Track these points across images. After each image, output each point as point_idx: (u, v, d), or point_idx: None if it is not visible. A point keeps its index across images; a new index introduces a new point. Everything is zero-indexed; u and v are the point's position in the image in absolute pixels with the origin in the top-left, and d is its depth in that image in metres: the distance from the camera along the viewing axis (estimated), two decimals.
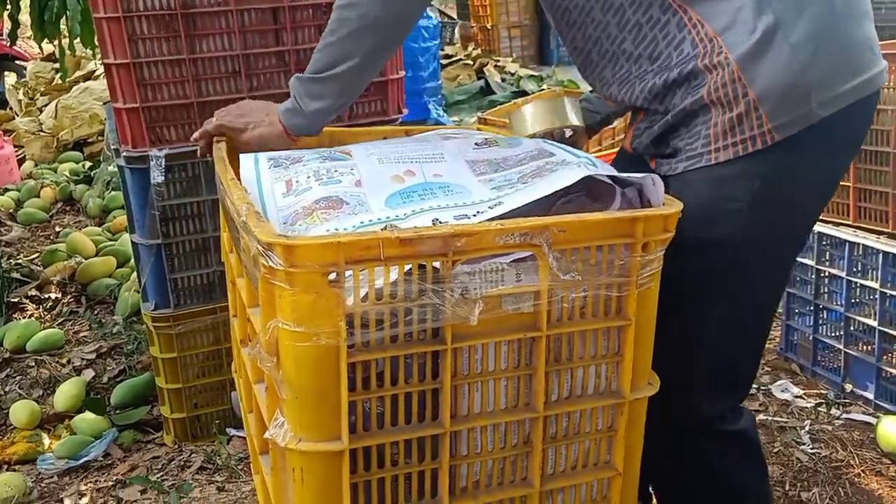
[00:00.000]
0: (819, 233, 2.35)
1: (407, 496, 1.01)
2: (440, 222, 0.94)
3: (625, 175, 1.04)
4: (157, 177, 1.90)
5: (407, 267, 0.90)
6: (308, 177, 1.05)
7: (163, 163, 1.91)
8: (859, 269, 2.25)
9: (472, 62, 5.94)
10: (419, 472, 1.00)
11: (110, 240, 3.54)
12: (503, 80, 5.68)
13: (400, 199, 0.98)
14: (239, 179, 1.13)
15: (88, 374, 2.61)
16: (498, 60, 6.27)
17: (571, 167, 1.01)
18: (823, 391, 2.37)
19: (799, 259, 2.45)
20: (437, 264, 0.91)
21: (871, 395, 2.25)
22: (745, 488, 1.32)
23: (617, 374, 1.06)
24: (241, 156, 1.19)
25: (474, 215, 0.95)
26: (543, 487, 1.06)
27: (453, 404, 0.99)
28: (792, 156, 1.10)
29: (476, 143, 1.20)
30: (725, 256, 1.14)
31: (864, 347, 2.29)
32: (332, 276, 0.88)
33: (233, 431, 2.28)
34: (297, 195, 1.03)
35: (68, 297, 3.14)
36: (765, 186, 1.10)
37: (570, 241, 0.96)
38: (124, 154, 1.95)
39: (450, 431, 0.99)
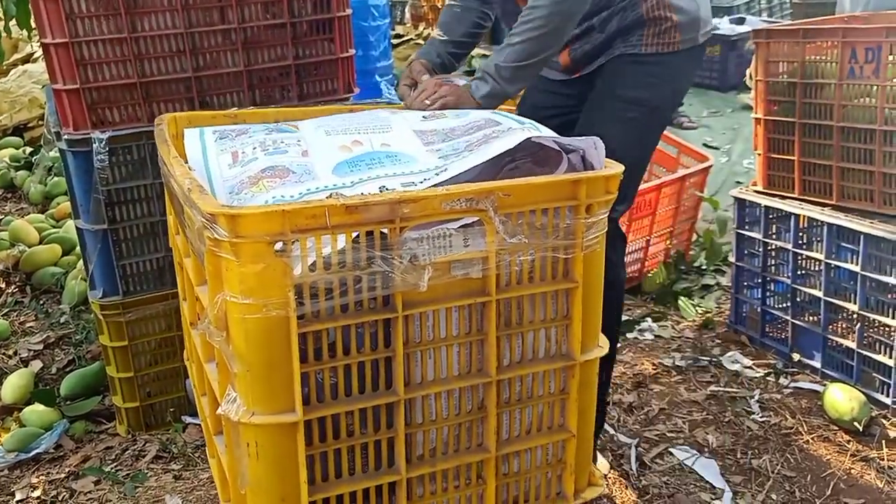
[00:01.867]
0: (766, 206, 2.40)
1: (364, 466, 1.01)
2: (387, 189, 0.94)
3: (567, 140, 1.05)
4: (100, 160, 1.85)
5: (354, 234, 0.89)
6: (254, 148, 1.04)
7: (106, 145, 1.87)
8: (805, 241, 2.31)
9: (423, 42, 5.91)
10: (375, 442, 1.00)
11: (54, 227, 3.45)
12: None
13: (347, 168, 0.98)
14: (185, 157, 1.10)
15: (36, 365, 2.54)
16: None
17: (514, 132, 1.01)
18: (772, 361, 2.43)
19: (746, 232, 2.50)
20: (384, 231, 0.91)
21: (817, 364, 2.31)
22: (622, 280, 1.77)
23: (567, 336, 1.07)
24: (186, 130, 1.17)
25: (421, 182, 0.95)
26: (499, 452, 1.07)
27: (406, 372, 0.99)
28: (682, 59, 1.70)
29: (424, 116, 1.20)
30: (642, 108, 1.69)
31: (811, 318, 2.36)
32: (279, 245, 0.87)
33: (188, 419, 2.24)
34: (243, 166, 1.01)
35: (12, 286, 3.06)
36: (669, 73, 1.70)
37: (516, 205, 0.97)
38: (66, 137, 1.90)
39: (404, 399, 0.99)
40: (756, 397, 2.23)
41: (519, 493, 1.12)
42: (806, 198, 2.33)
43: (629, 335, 2.66)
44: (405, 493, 1.03)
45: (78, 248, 3.11)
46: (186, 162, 1.08)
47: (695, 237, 3.24)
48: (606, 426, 2.13)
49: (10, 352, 2.65)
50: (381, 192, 0.95)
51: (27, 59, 5.33)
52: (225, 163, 1.04)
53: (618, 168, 1.04)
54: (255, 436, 0.93)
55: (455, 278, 0.98)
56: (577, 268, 1.04)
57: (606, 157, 1.43)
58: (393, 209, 0.90)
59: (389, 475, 1.01)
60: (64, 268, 3.07)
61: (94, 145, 1.86)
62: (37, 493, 2.00)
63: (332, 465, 0.99)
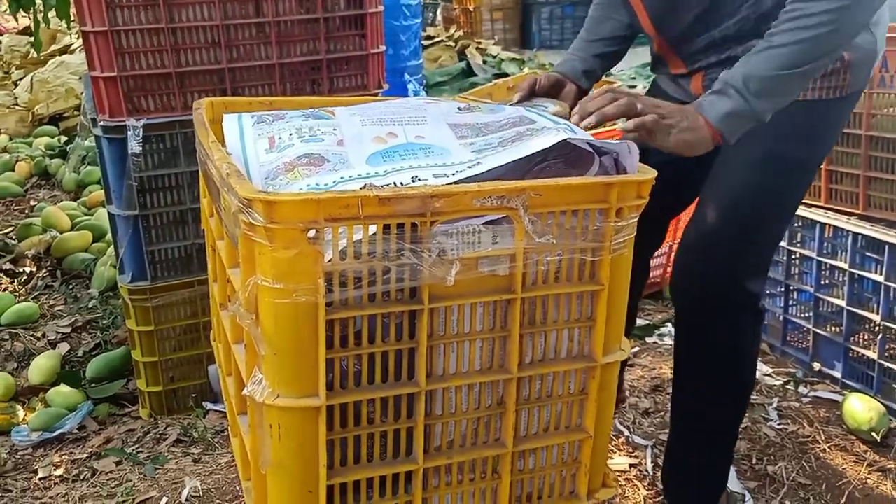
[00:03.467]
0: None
1: (382, 454, 1.02)
2: (419, 179, 0.96)
3: (601, 142, 1.06)
4: (134, 147, 1.89)
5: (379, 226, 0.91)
6: (291, 134, 1.06)
7: (140, 133, 1.91)
8: (829, 250, 2.30)
9: (453, 44, 5.93)
10: (395, 431, 1.02)
11: (86, 214, 3.51)
12: (485, 62, 5.68)
13: (381, 159, 0.99)
14: (221, 142, 1.13)
15: (63, 347, 2.60)
16: (480, 43, 6.27)
17: (549, 132, 1.02)
18: (792, 370, 2.42)
19: None
20: (415, 223, 0.93)
21: (838, 374, 2.30)
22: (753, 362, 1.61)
23: (589, 338, 1.08)
24: (225, 115, 1.19)
25: (453, 174, 0.97)
26: (516, 448, 1.08)
27: (429, 364, 1.01)
28: (847, 106, 1.45)
29: (459, 108, 1.21)
30: (791, 167, 1.42)
31: (833, 328, 2.34)
32: (312, 233, 0.89)
33: (209, 405, 2.28)
34: (279, 151, 1.04)
35: (43, 271, 3.12)
36: (830, 124, 1.44)
37: (546, 205, 0.98)
38: (101, 123, 1.94)
39: (425, 391, 1.01)
40: (774, 405, 2.23)
41: (533, 490, 1.13)
42: (832, 206, 2.32)
43: (648, 339, 2.66)
44: (421, 482, 1.04)
45: (108, 235, 3.17)
46: (224, 146, 1.10)
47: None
48: (621, 427, 2.14)
49: (39, 334, 2.71)
50: (413, 182, 0.96)
51: (65, 50, 5.44)
52: (262, 148, 1.06)
53: (651, 173, 1.04)
54: (279, 418, 0.96)
55: (482, 274, 0.99)
56: (603, 270, 1.05)
57: (734, 220, 1.40)
58: (425, 203, 0.92)
59: (407, 464, 1.03)
60: (94, 254, 3.13)
61: (128, 132, 1.90)
62: (59, 471, 2.05)
63: (351, 450, 1.01)
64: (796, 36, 1.20)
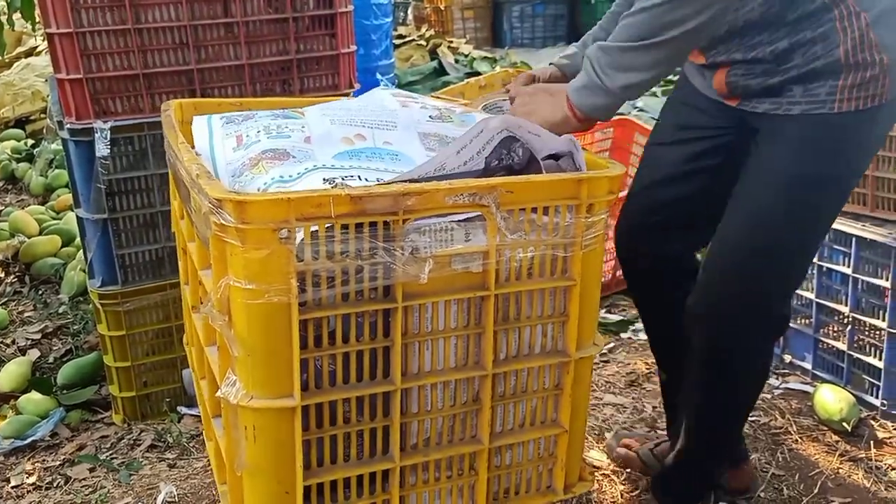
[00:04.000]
0: None
1: (359, 453, 1.02)
2: (382, 182, 0.96)
3: (545, 142, 1.06)
4: (102, 149, 1.87)
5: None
6: (258, 131, 1.05)
7: (108, 135, 1.88)
8: None
9: (425, 43, 5.93)
10: (371, 430, 1.02)
11: (54, 219, 3.46)
12: (457, 61, 5.68)
13: (347, 157, 0.99)
14: (191, 143, 1.12)
15: (34, 354, 2.56)
16: (451, 42, 6.27)
17: (495, 130, 1.03)
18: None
19: None
20: (387, 221, 0.93)
21: (808, 366, 2.33)
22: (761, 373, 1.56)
23: (563, 333, 1.09)
24: (195, 118, 1.18)
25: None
26: (492, 444, 1.08)
27: (404, 362, 1.01)
28: (887, 113, 1.30)
29: (430, 117, 1.21)
30: (825, 186, 1.31)
31: (803, 321, 2.38)
32: (283, 233, 0.89)
33: (184, 410, 2.26)
34: (245, 149, 1.03)
35: (11, 276, 3.07)
36: (868, 135, 1.31)
37: (517, 202, 0.99)
38: (68, 126, 1.91)
39: (401, 389, 1.01)
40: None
41: (510, 486, 1.14)
42: None
43: (623, 335, 2.68)
44: (398, 481, 1.04)
45: (77, 239, 3.12)
46: (193, 148, 1.09)
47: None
48: (597, 423, 2.15)
49: (8, 340, 2.67)
50: (377, 182, 0.96)
51: (30, 52, 5.35)
52: (230, 146, 1.06)
53: (619, 168, 1.05)
54: (254, 419, 0.95)
55: (455, 272, 0.99)
56: (575, 266, 1.05)
57: (759, 244, 1.33)
58: (397, 201, 0.92)
59: (383, 462, 1.03)
60: (63, 259, 3.09)
61: (96, 135, 1.87)
62: (32, 479, 2.02)
63: (327, 450, 1.00)
64: (641, 4, 1.14)
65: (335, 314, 0.96)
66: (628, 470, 1.87)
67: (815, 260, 2.27)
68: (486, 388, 1.06)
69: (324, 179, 0.93)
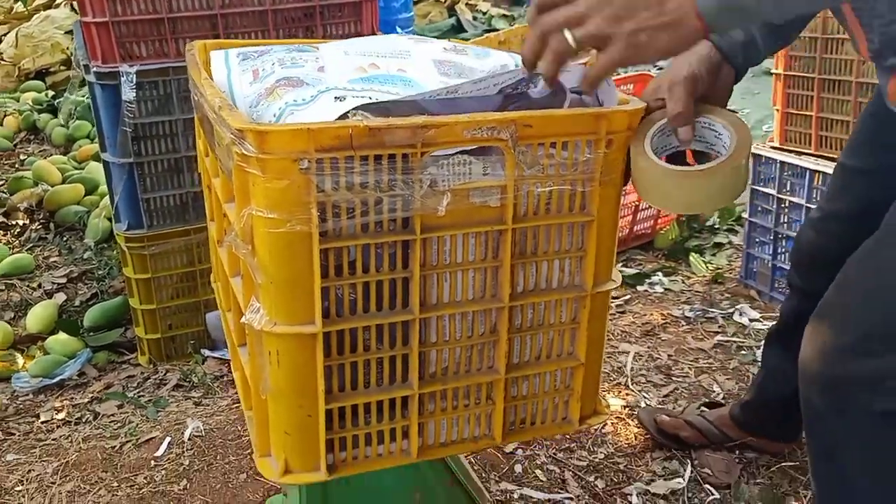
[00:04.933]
0: (780, 162, 2.41)
1: (379, 380, 1.05)
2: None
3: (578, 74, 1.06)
4: (127, 93, 1.89)
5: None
6: (273, 63, 1.07)
7: (134, 79, 1.90)
8: (818, 197, 2.33)
9: (443, 0, 5.87)
10: (390, 358, 1.05)
11: (76, 168, 3.51)
12: (475, 18, 5.63)
13: (360, 82, 1.01)
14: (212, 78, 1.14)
15: (60, 297, 2.63)
16: None
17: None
18: (778, 315, 2.46)
19: (760, 188, 2.51)
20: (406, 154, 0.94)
21: None
22: None
23: (580, 268, 1.10)
24: (212, 53, 1.20)
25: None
26: (509, 375, 1.11)
27: (422, 293, 1.03)
28: None
29: (445, 48, 1.22)
30: None
31: None
32: (304, 163, 0.91)
33: (207, 352, 2.32)
34: (261, 81, 1.05)
35: (36, 223, 3.13)
36: None
37: (536, 137, 0.99)
38: (94, 70, 1.93)
39: (419, 318, 1.03)
40: (762, 348, 2.27)
41: (526, 416, 1.17)
42: (822, 153, 2.33)
43: (639, 287, 2.70)
44: (417, 408, 1.08)
45: (100, 188, 3.18)
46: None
47: None
48: (612, 371, 2.18)
49: (35, 284, 2.73)
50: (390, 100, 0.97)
51: (50, 4, 5.36)
52: (246, 81, 1.07)
53: (639, 104, 1.05)
54: (277, 345, 0.98)
55: (473, 205, 1.01)
56: (593, 202, 1.06)
57: (882, 309, 1.00)
58: (415, 133, 0.93)
59: (402, 390, 1.06)
60: (87, 207, 3.14)
61: (122, 79, 1.90)
62: (61, 415, 2.09)
63: (348, 377, 1.04)
64: None
65: (355, 244, 0.98)
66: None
67: None
68: (504, 320, 1.08)
69: (335, 98, 0.94)
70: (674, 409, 2.00)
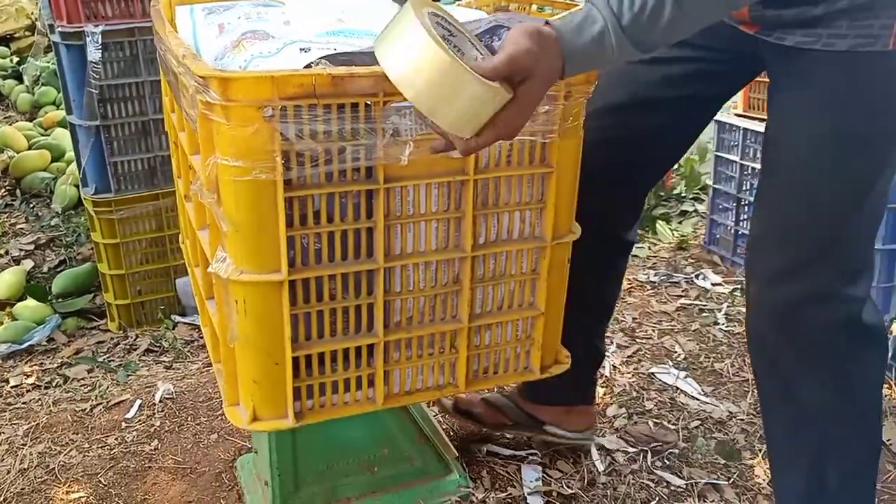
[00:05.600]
0: (744, 129, 2.45)
1: (345, 328, 1.08)
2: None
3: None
4: (93, 53, 1.88)
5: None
6: (238, 17, 1.08)
7: (99, 39, 1.89)
8: None
9: None
10: (356, 307, 1.07)
11: (42, 135, 3.46)
12: None
13: (326, 36, 1.02)
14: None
15: (27, 264, 2.61)
16: None
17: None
18: (741, 279, 2.52)
19: (724, 155, 2.56)
20: (368, 103, 0.96)
21: None
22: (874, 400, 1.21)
23: (540, 220, 1.14)
24: (177, 8, 1.20)
25: None
26: (472, 324, 1.14)
27: (387, 243, 1.06)
28: None
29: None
30: (879, 143, 1.08)
31: None
32: (268, 111, 0.92)
33: (178, 318, 2.32)
34: (227, 35, 1.06)
35: (2, 190, 3.10)
36: None
37: None
38: (59, 29, 1.91)
39: (383, 268, 1.06)
40: (723, 310, 2.33)
41: (489, 365, 1.20)
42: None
43: None
44: (382, 356, 1.10)
45: (66, 154, 3.14)
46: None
47: (676, 165, 3.30)
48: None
49: (2, 251, 2.71)
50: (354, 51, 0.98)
51: None
52: (212, 34, 1.08)
53: None
54: (244, 293, 1.00)
55: (436, 156, 1.03)
56: (553, 153, 1.09)
57: (811, 218, 1.09)
58: (377, 82, 0.95)
59: (368, 338, 1.09)
60: (53, 173, 3.11)
61: (87, 39, 1.88)
62: (31, 379, 2.09)
63: (315, 325, 1.06)
64: None
65: (319, 193, 1.00)
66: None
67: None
68: (466, 269, 1.11)
69: (300, 49, 0.96)
70: (635, 370, 2.06)
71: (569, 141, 1.09)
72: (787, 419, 1.23)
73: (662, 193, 3.16)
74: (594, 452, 1.75)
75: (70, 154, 3.06)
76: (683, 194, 3.19)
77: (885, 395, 1.93)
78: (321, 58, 0.96)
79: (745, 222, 2.55)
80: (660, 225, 2.93)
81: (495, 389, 1.72)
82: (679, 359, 2.11)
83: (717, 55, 1.19)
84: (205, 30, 1.10)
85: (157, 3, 1.29)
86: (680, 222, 2.98)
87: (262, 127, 0.93)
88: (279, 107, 0.93)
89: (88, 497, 1.64)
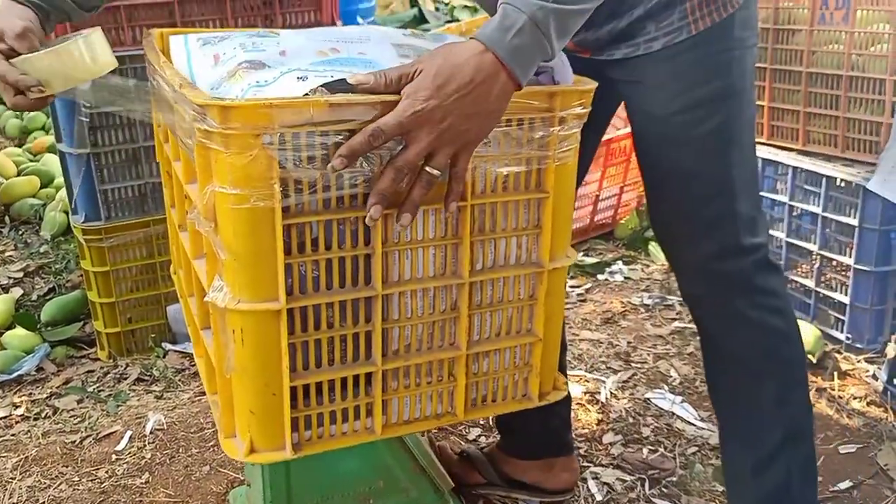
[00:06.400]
0: None
1: (343, 357, 1.07)
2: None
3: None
4: None
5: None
6: (234, 48, 1.08)
7: None
8: (771, 184, 2.39)
9: None
10: (354, 335, 1.06)
11: (31, 161, 3.45)
12: (437, 9, 5.64)
13: (322, 65, 1.02)
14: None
15: (16, 292, 2.58)
16: None
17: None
18: None
19: None
20: None
21: None
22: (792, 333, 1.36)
23: (537, 245, 1.13)
24: (171, 38, 1.20)
25: None
26: (470, 351, 1.13)
27: (385, 270, 1.05)
28: (748, 13, 1.26)
29: (404, 34, 1.24)
30: (733, 102, 1.25)
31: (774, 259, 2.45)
32: (267, 139, 0.92)
33: (169, 346, 2.30)
34: (223, 65, 1.06)
35: None
36: (741, 39, 1.24)
37: None
38: None
39: (381, 295, 1.05)
40: None
41: (487, 392, 1.19)
42: (773, 143, 2.40)
43: (600, 276, 2.74)
44: (380, 385, 1.09)
45: (56, 180, 3.12)
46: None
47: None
48: (575, 360, 2.22)
49: None
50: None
51: None
52: (208, 65, 1.08)
53: (591, 84, 1.08)
54: (241, 322, 0.99)
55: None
56: (549, 179, 1.09)
57: (690, 192, 1.25)
58: (374, 109, 0.95)
59: (366, 366, 1.08)
60: (42, 199, 3.09)
61: None
62: (20, 410, 2.06)
63: (312, 354, 1.05)
64: None
65: (317, 220, 0.99)
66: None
67: (785, 199, 2.34)
68: (464, 296, 1.10)
69: (297, 78, 0.96)
70: (631, 395, 2.05)
71: (564, 166, 1.09)
72: (720, 372, 1.41)
73: None
74: (591, 482, 1.74)
75: (59, 180, 3.05)
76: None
77: (882, 420, 1.94)
78: (320, 85, 0.96)
79: None
80: (652, 246, 2.93)
81: (492, 419, 1.70)
82: (675, 383, 2.11)
83: None
84: (200, 60, 1.10)
85: (150, 35, 1.29)
86: None
87: (260, 154, 0.92)
88: (277, 134, 0.92)
89: None
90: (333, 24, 2.18)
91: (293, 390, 1.05)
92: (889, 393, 1.98)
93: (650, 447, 1.85)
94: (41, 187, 3.17)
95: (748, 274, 1.30)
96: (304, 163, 0.95)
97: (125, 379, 2.18)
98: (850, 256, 2.17)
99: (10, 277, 2.66)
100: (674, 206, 1.31)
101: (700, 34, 1.21)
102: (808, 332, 2.16)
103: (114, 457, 1.85)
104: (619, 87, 1.28)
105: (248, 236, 0.96)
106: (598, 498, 1.68)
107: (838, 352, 2.21)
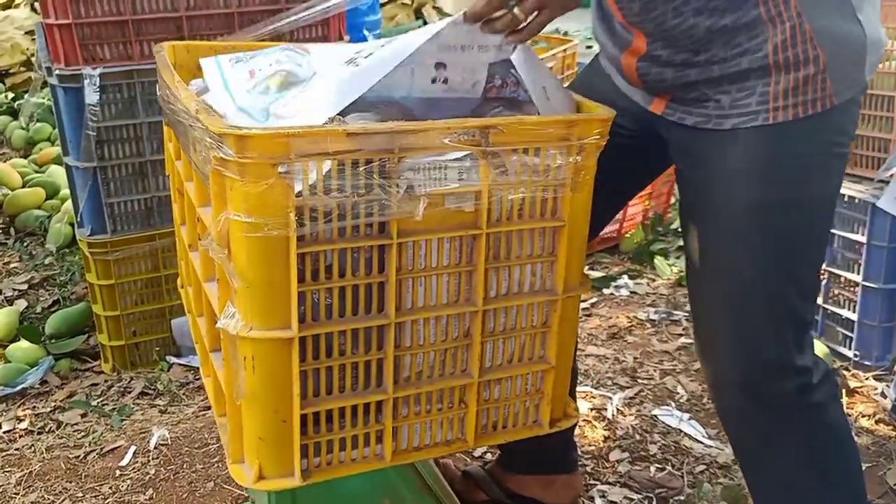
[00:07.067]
0: None
1: (354, 384, 1.06)
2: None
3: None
4: (91, 96, 1.87)
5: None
6: (269, 64, 1.08)
7: (97, 81, 1.88)
8: None
9: (410, 2, 5.87)
10: (365, 362, 1.05)
11: (37, 172, 3.44)
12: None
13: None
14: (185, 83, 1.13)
15: (21, 304, 2.57)
16: (436, 1, 6.22)
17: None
18: None
19: None
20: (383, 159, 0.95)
21: None
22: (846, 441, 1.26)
23: (551, 273, 1.12)
24: (202, 60, 1.19)
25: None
26: (482, 378, 1.12)
27: (398, 297, 1.04)
28: (846, 117, 1.11)
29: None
30: (801, 215, 1.11)
31: None
32: (283, 167, 0.91)
33: (173, 359, 2.29)
34: (260, 79, 1.06)
35: None
36: (829, 144, 1.10)
37: (509, 142, 1.01)
38: (57, 72, 1.90)
39: (394, 322, 1.04)
40: None
41: (498, 419, 1.18)
42: None
43: (605, 291, 2.74)
44: (391, 412, 1.08)
45: (62, 192, 3.12)
46: (189, 86, 1.11)
47: (673, 199, 3.32)
48: (581, 376, 2.21)
49: None
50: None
51: (9, 4, 5.25)
52: (243, 80, 1.08)
53: (610, 112, 1.08)
54: (252, 349, 0.98)
55: (448, 210, 1.02)
56: (565, 208, 1.08)
57: (743, 307, 1.15)
58: (392, 139, 0.94)
59: (377, 394, 1.07)
60: (48, 211, 3.08)
61: (85, 81, 1.87)
62: (23, 424, 2.05)
63: (323, 381, 1.04)
64: None
65: (332, 249, 0.98)
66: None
67: None
68: (477, 323, 1.09)
69: (345, 62, 0.97)
70: (638, 411, 2.04)
71: (580, 195, 1.09)
72: (770, 473, 1.26)
73: (660, 228, 3.16)
74: (598, 500, 1.73)
75: (65, 192, 3.05)
76: (680, 229, 3.20)
77: (891, 438, 1.93)
78: (351, 103, 0.96)
79: None
80: (658, 260, 2.93)
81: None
82: (682, 400, 2.10)
83: (629, 132, 1.23)
84: (234, 77, 1.10)
85: (162, 50, 1.28)
86: (678, 257, 2.99)
87: (276, 183, 0.92)
88: (294, 163, 0.91)
89: None
90: (341, 38, 2.17)
91: (303, 417, 1.04)
92: None
93: (657, 465, 1.84)
94: (46, 198, 3.16)
95: (794, 394, 1.19)
96: (320, 191, 0.94)
97: (129, 392, 2.17)
98: (859, 273, 2.17)
99: (14, 289, 2.65)
100: (721, 312, 1.20)
101: (779, 126, 1.06)
102: (816, 349, 2.15)
103: (118, 472, 1.84)
104: (676, 155, 1.19)
105: (261, 264, 0.95)
106: None
107: (846, 369, 2.20)
